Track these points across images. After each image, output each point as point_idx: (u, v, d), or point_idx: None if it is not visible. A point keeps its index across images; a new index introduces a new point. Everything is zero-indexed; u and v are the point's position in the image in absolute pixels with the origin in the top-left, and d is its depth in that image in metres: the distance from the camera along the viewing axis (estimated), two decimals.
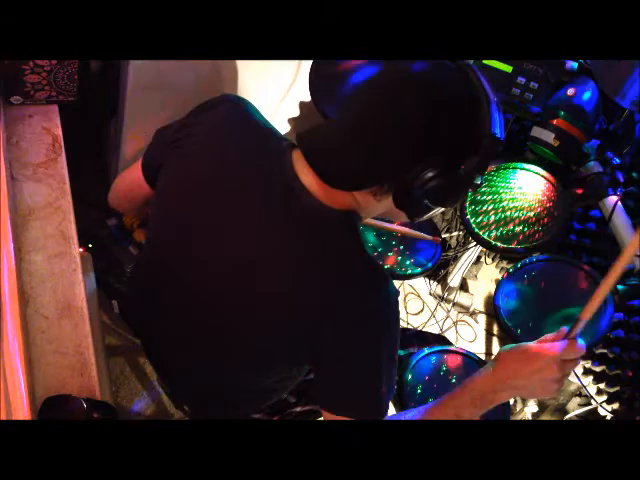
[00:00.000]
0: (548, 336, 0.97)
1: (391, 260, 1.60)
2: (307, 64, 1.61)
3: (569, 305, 1.48)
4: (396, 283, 2.08)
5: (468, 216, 1.62)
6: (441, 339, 1.62)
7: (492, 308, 1.57)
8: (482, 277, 2.36)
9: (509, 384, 0.96)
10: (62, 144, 1.34)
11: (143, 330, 1.26)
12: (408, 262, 1.61)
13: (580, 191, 1.64)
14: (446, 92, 0.91)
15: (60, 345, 1.10)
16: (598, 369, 1.77)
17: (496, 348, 2.23)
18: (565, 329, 0.95)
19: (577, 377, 1.69)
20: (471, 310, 2.25)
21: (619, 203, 1.59)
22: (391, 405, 1.36)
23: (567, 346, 0.92)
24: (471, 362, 1.44)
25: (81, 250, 1.24)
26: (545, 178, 1.63)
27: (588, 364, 1.78)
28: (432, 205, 0.95)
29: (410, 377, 1.38)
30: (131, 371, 1.84)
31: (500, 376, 0.96)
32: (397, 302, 0.98)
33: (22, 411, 0.89)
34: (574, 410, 1.92)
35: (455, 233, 2.17)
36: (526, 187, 1.64)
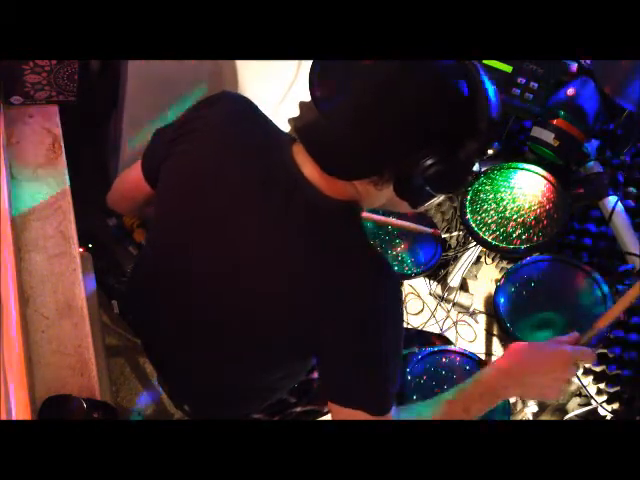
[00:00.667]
0: (561, 338, 0.99)
1: (391, 260, 1.60)
2: (307, 64, 1.61)
3: (569, 305, 1.48)
4: None
5: (468, 216, 1.62)
6: (442, 338, 1.62)
7: (492, 308, 1.57)
8: (482, 277, 2.36)
9: (521, 380, 0.98)
10: (62, 144, 1.34)
11: (143, 330, 1.26)
12: (408, 262, 1.61)
13: (580, 191, 1.64)
14: (444, 78, 0.91)
15: (60, 345, 1.10)
16: (598, 369, 1.77)
17: (496, 348, 2.23)
18: (576, 334, 0.99)
19: (577, 377, 1.69)
20: (471, 310, 2.25)
21: (619, 203, 1.59)
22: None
23: (583, 351, 0.96)
24: (471, 362, 1.44)
25: (81, 250, 1.24)
26: (545, 178, 1.63)
27: (588, 364, 1.78)
28: (433, 192, 0.95)
29: (410, 377, 1.38)
30: (131, 371, 1.84)
31: (514, 372, 0.98)
32: (400, 292, 0.98)
33: (22, 411, 0.89)
34: (574, 410, 1.92)
35: (455, 233, 2.17)
36: (526, 187, 1.63)
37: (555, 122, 1.55)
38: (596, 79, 1.56)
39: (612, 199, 1.60)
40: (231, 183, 0.98)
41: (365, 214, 1.58)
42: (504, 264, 2.27)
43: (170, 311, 1.10)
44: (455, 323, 2.25)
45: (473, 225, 1.61)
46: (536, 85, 1.59)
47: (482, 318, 2.30)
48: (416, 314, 2.26)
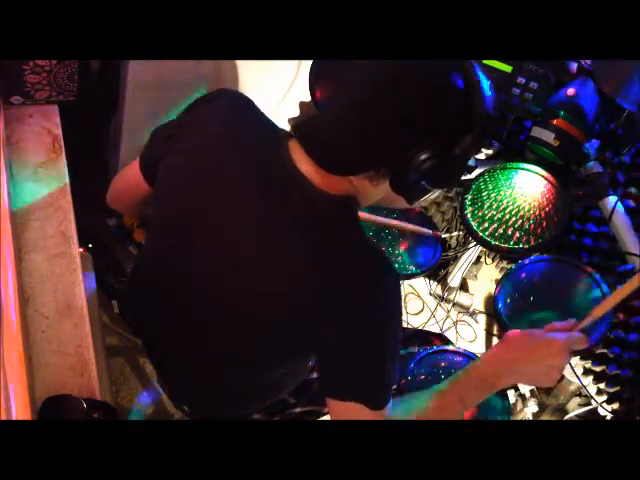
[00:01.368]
0: (556, 324, 1.00)
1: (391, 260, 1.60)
2: (307, 64, 1.61)
3: (569, 305, 1.48)
4: None
5: (468, 216, 1.62)
6: (442, 338, 1.62)
7: (492, 308, 1.57)
8: (482, 277, 2.36)
9: (515, 369, 0.98)
10: (62, 144, 1.34)
11: (143, 330, 1.26)
12: (408, 262, 1.61)
13: (580, 191, 1.64)
14: (438, 73, 0.91)
15: (60, 345, 1.10)
16: (598, 369, 1.77)
17: None
18: (573, 321, 0.98)
19: (577, 377, 1.69)
20: (471, 310, 2.25)
21: (619, 203, 1.59)
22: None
23: (577, 337, 0.96)
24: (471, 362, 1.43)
25: (81, 250, 1.24)
26: (545, 178, 1.63)
27: (588, 364, 1.78)
28: (429, 187, 0.95)
29: (410, 377, 1.38)
30: (131, 371, 1.84)
31: (507, 360, 0.99)
32: (399, 289, 0.98)
33: (22, 411, 0.89)
34: (574, 410, 1.92)
35: (455, 233, 2.17)
36: (526, 187, 1.63)
37: (555, 122, 1.55)
38: (596, 79, 1.56)
39: (612, 199, 1.59)
40: (229, 180, 0.98)
41: (366, 215, 1.58)
42: (504, 264, 2.27)
43: (170, 311, 1.10)
44: (455, 323, 2.25)
45: (473, 225, 1.61)
46: (536, 85, 1.59)
47: (482, 318, 2.30)
48: (416, 314, 2.26)
